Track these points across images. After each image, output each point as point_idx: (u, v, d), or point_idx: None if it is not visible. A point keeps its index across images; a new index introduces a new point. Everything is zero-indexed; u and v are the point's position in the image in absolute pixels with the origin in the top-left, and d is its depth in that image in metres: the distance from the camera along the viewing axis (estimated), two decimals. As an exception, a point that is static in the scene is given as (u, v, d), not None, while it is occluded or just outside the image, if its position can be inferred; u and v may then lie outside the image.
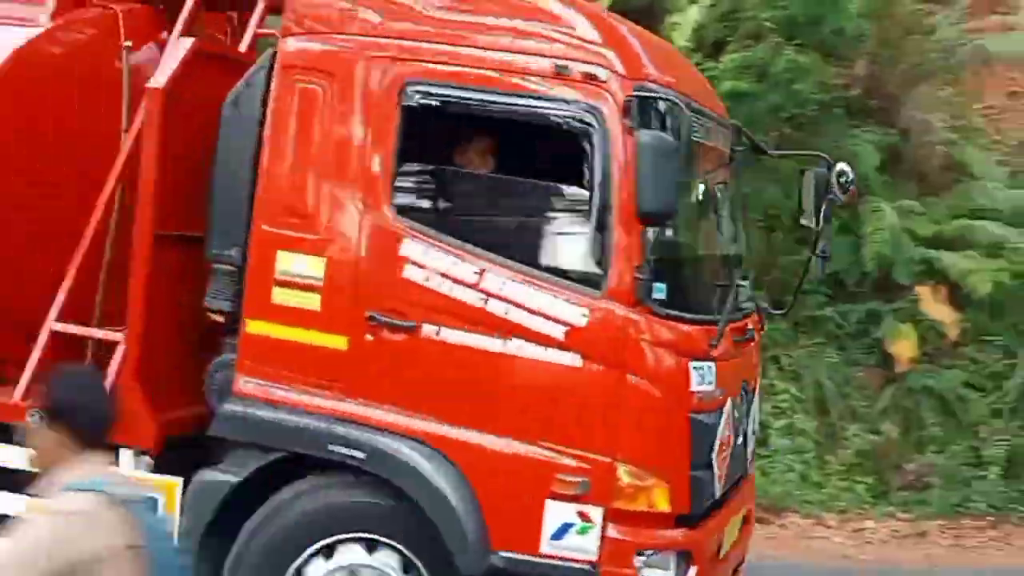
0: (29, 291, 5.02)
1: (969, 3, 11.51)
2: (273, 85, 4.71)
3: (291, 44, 4.73)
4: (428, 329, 4.56)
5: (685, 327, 4.57)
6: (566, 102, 4.51)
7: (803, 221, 5.28)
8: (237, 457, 4.74)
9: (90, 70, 5.19)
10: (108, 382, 4.63)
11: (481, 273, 4.52)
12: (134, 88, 5.11)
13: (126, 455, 4.84)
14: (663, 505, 4.54)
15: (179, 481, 4.78)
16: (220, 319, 4.84)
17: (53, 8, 5.22)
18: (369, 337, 4.61)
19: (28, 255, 5.04)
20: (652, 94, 4.47)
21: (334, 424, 4.63)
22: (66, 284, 4.98)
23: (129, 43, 5.21)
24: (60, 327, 4.99)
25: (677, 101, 4.53)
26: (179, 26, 5.10)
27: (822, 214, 4.99)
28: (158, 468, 4.88)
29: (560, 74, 4.54)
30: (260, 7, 5.53)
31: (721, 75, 9.01)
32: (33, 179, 5.01)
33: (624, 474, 4.49)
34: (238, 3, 5.93)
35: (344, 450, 4.59)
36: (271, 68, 4.74)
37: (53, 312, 4.99)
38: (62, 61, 5.21)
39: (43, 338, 4.99)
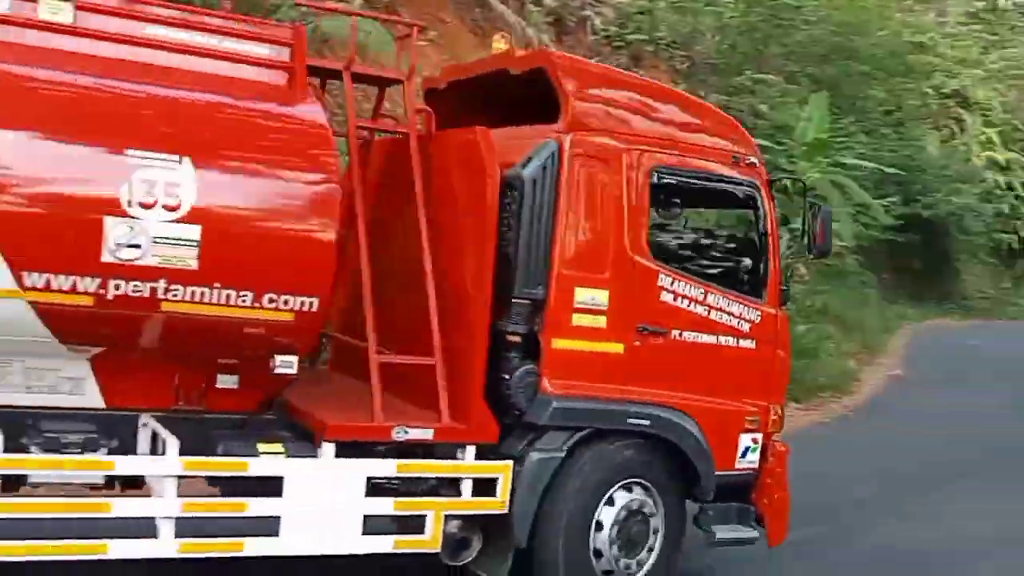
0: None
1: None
2: (564, 168, 6.46)
3: (576, 138, 6.50)
4: (675, 333, 6.80)
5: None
6: (740, 180, 7.03)
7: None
8: (553, 438, 6.50)
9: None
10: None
11: (704, 294, 6.87)
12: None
13: (470, 449, 6.31)
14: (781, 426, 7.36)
15: (511, 464, 6.40)
16: (517, 340, 6.47)
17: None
18: (638, 342, 6.69)
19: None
20: (772, 175, 7.19)
21: (626, 405, 6.65)
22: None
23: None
24: (384, 358, 6.22)
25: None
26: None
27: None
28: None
29: (735, 162, 7.04)
30: (409, 88, 6.97)
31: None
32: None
33: (773, 411, 7.22)
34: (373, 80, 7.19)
35: (636, 421, 6.67)
36: (557, 155, 6.46)
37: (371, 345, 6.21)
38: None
39: (374, 369, 6.18)
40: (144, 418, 6.12)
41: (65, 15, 5.77)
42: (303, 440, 6.09)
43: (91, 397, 5.95)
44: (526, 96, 6.77)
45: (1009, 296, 31.37)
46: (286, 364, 6.00)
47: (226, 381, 6.29)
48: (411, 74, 6.91)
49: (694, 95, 9.12)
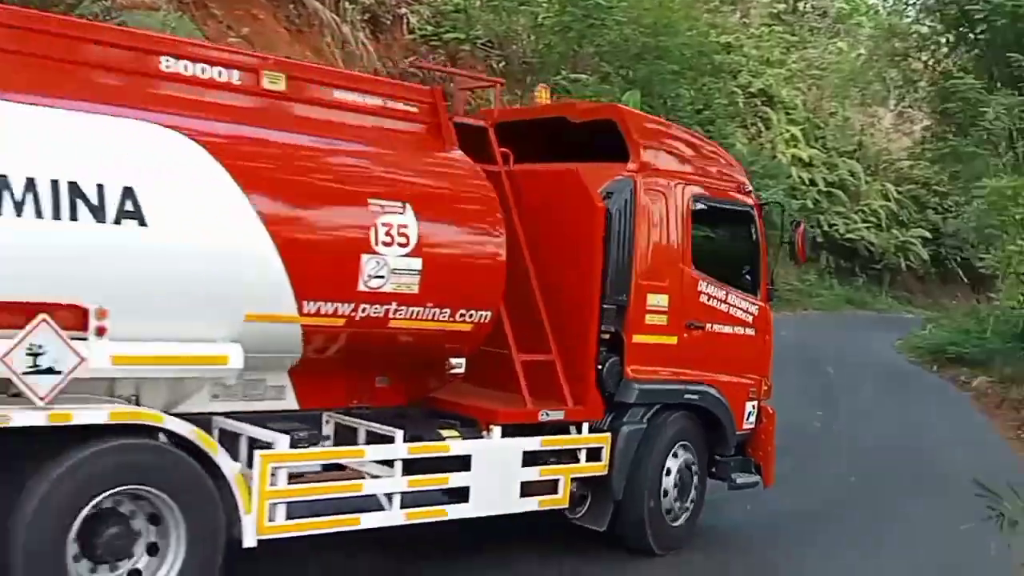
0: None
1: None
2: (638, 201, 8.20)
3: (645, 177, 8.26)
4: (708, 326, 8.73)
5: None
6: (745, 204, 9.05)
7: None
8: (635, 413, 8.27)
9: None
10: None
11: (725, 294, 8.83)
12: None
13: (585, 426, 7.97)
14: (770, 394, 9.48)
15: (609, 435, 8.11)
16: (607, 337, 8.17)
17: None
18: (685, 335, 8.56)
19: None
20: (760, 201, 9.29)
21: (682, 385, 8.53)
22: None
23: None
24: (528, 357, 7.76)
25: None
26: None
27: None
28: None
29: (740, 190, 9.05)
30: (491, 135, 8.44)
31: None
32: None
33: (764, 383, 9.31)
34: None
35: (690, 396, 8.56)
36: (633, 190, 8.19)
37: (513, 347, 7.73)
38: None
39: (519, 367, 7.71)
40: (327, 415, 7.38)
41: (280, 84, 6.95)
42: (467, 426, 7.54)
43: (289, 401, 7.14)
44: (576, 138, 8.48)
45: (813, 288, 32.30)
46: (458, 366, 7.45)
47: (382, 382, 7.65)
48: (494, 122, 8.39)
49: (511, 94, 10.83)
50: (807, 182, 33.43)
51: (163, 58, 6.39)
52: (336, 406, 7.41)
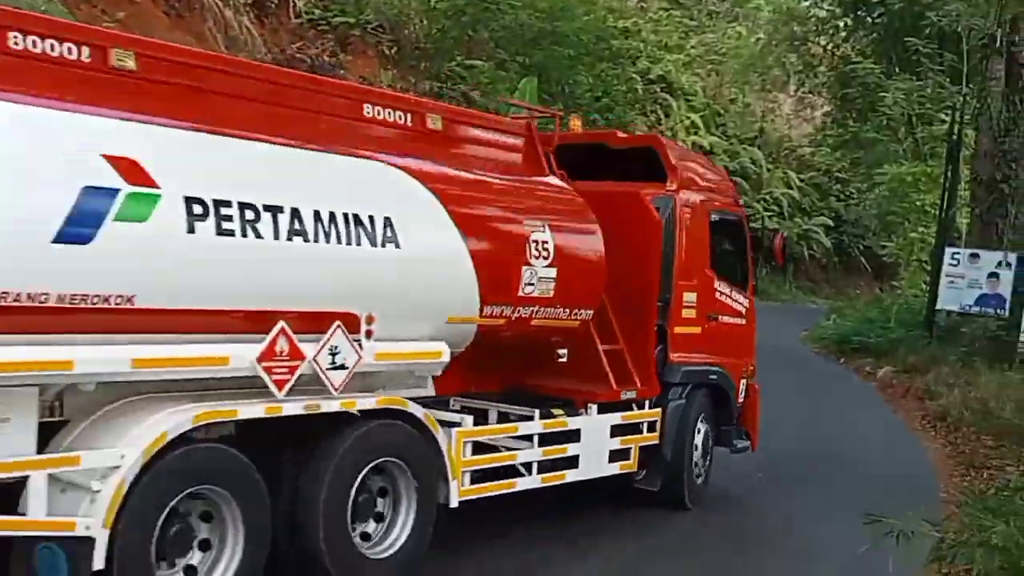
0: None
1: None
2: (677, 215, 9.91)
3: (682, 195, 9.97)
4: (720, 318, 10.55)
5: (748, 302, 11.46)
6: (739, 215, 10.94)
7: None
8: (676, 392, 9.99)
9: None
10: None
11: (730, 290, 10.68)
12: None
13: (646, 403, 9.63)
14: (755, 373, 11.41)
15: (659, 410, 9.80)
16: (655, 329, 9.86)
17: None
18: (706, 326, 10.35)
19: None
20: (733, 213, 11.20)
21: (707, 367, 10.32)
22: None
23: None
24: (607, 347, 9.35)
25: (742, 211, 11.32)
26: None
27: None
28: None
29: (736, 202, 10.92)
30: (552, 159, 9.94)
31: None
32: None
33: (751, 364, 11.23)
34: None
35: (712, 377, 10.36)
36: (674, 206, 9.88)
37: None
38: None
39: (602, 355, 9.29)
40: (452, 401, 8.74)
41: (438, 124, 8.23)
42: (567, 406, 9.05)
43: (429, 389, 8.43)
44: (612, 160, 10.12)
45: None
46: (562, 356, 8.97)
47: (495, 369, 9.08)
48: (555, 146, 9.86)
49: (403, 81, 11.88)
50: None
51: (370, 106, 7.60)
52: (459, 392, 8.78)
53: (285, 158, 6.64)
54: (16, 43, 5.63)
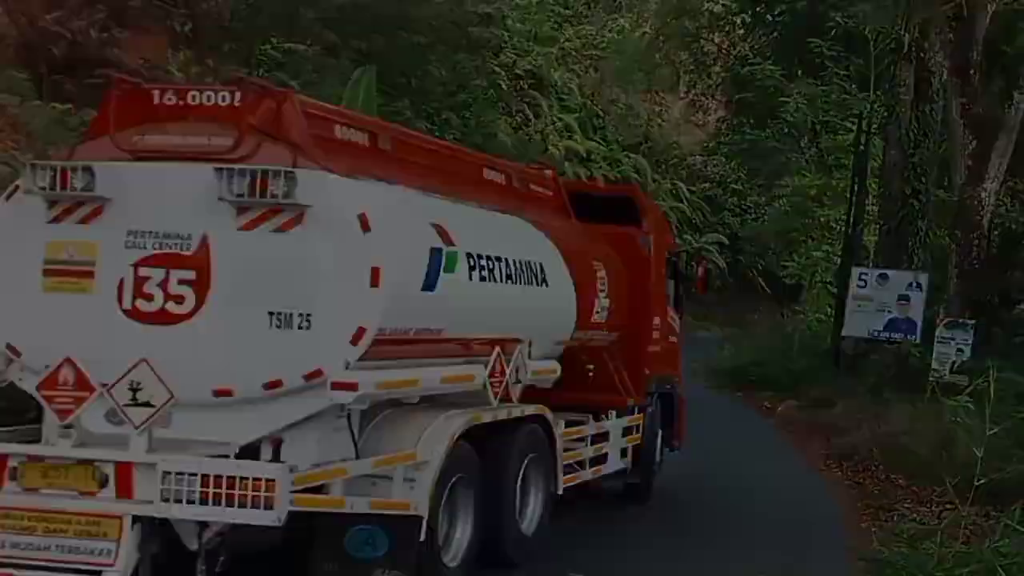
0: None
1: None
2: (653, 251, 12.03)
3: (655, 236, 12.09)
4: (669, 338, 12.79)
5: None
6: (677, 252, 13.27)
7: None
8: (650, 400, 12.10)
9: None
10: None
11: (677, 314, 12.95)
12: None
13: (635, 409, 11.71)
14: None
15: (643, 415, 11.90)
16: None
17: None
18: (665, 344, 12.54)
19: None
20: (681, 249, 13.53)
21: (667, 377, 12.53)
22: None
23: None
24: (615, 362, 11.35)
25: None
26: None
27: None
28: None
29: (674, 240, 13.24)
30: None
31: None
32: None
33: (679, 376, 13.57)
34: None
35: (669, 386, 12.59)
36: (649, 245, 12.00)
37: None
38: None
39: (612, 370, 11.29)
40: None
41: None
42: (589, 412, 10.97)
43: (490, 399, 10.12)
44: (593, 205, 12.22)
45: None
46: (592, 370, 10.93)
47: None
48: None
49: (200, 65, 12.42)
50: (585, 179, 25.81)
51: (505, 172, 9.37)
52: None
53: (488, 217, 8.30)
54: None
